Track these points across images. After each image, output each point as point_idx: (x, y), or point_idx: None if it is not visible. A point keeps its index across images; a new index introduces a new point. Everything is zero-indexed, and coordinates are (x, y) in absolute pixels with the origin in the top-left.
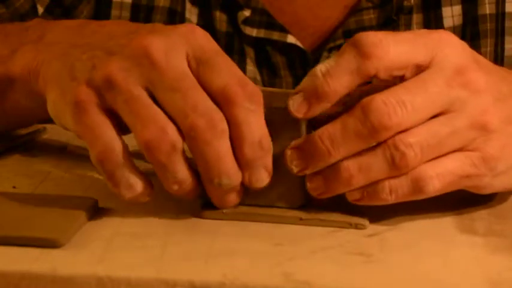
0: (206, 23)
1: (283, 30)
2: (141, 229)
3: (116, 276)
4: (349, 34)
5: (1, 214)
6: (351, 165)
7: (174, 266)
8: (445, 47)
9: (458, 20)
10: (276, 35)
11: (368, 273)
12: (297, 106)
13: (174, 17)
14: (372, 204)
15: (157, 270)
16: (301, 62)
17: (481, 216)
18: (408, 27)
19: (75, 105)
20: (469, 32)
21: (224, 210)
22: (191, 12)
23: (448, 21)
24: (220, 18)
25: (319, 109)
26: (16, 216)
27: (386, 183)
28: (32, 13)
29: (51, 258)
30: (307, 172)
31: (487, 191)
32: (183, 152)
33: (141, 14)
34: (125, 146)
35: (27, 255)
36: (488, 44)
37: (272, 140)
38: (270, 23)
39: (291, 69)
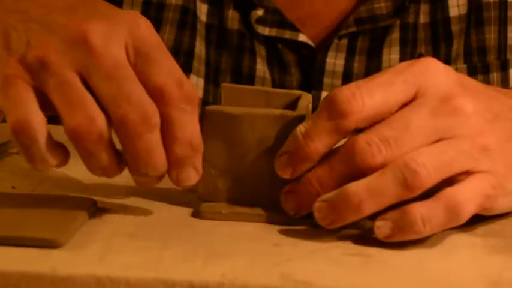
0: (217, 21)
1: (295, 29)
2: (140, 229)
3: (115, 277)
4: (361, 22)
5: (0, 214)
6: (359, 189)
7: (173, 266)
8: (428, 77)
9: (463, 9)
10: (287, 34)
11: (367, 273)
12: (282, 168)
13: (187, 14)
14: (405, 239)
15: (156, 271)
16: (311, 59)
17: (480, 217)
18: (416, 16)
19: (3, 78)
20: (474, 20)
21: (223, 211)
22: (201, 11)
23: (453, 11)
24: (233, 16)
25: (304, 168)
26: (15, 217)
27: (418, 215)
28: None
29: (50, 258)
30: (303, 213)
31: (496, 212)
32: (110, 139)
33: (152, 11)
34: (44, 121)
35: (26, 255)
36: (492, 31)
37: (272, 150)
38: (282, 22)
39: (301, 66)
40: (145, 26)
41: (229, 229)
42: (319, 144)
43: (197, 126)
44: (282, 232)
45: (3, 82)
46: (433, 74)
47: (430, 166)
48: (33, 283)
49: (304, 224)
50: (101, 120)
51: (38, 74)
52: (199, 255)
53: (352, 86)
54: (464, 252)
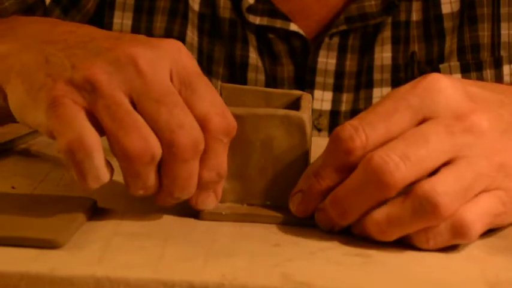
0: (210, 10)
1: (286, 18)
2: (139, 229)
3: (115, 277)
4: (351, 20)
5: (0, 214)
6: (379, 219)
7: (172, 266)
8: (434, 97)
9: (456, 6)
10: (278, 23)
11: (367, 273)
12: (297, 206)
13: (178, 2)
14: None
15: (155, 271)
16: (303, 50)
17: None
18: (408, 13)
19: (51, 100)
20: (467, 17)
21: (223, 211)
22: (194, 0)
23: (446, 8)
24: (225, 5)
25: (317, 204)
26: (15, 217)
27: (422, 232)
28: (40, 4)
29: (50, 258)
30: (337, 229)
31: (503, 226)
32: (159, 160)
33: (146, 0)
34: (98, 137)
35: (26, 255)
36: (486, 28)
37: (275, 150)
38: (273, 11)
39: (292, 57)
40: (186, 55)
41: (229, 229)
42: (330, 182)
43: (225, 156)
44: (282, 232)
45: (51, 103)
46: (439, 92)
47: (452, 194)
48: (32, 283)
49: (304, 224)
50: (154, 141)
51: (86, 94)
52: (199, 255)
53: (354, 121)
54: (464, 252)
